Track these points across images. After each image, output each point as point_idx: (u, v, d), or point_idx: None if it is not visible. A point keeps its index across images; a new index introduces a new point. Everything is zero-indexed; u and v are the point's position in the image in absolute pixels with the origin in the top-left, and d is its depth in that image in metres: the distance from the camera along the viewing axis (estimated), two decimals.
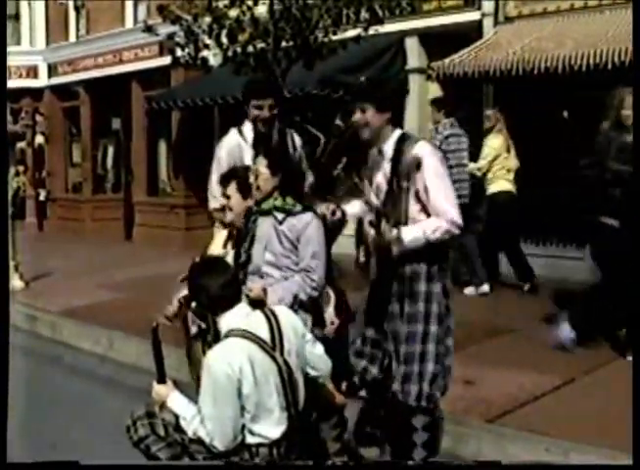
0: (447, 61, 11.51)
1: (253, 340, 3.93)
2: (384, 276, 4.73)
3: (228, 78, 12.17)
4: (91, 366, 8.22)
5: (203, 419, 3.86)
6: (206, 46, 11.06)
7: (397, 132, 4.75)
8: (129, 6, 19.29)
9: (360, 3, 10.67)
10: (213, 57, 12.02)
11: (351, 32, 10.90)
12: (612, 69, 9.71)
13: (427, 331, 4.66)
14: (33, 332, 9.65)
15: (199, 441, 3.91)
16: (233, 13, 10.56)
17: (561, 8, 11.88)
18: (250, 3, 10.39)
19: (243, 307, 4.07)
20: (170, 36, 11.25)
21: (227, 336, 3.95)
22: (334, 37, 10.61)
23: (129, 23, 19.27)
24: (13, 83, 18.59)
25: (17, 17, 21.92)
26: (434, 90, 13.82)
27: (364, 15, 10.75)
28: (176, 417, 3.99)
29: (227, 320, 4.01)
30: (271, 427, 3.93)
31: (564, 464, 5.04)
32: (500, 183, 10.32)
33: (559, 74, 10.28)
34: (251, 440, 3.92)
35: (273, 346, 3.98)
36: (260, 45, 10.58)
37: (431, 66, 12.01)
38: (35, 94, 22.33)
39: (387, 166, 4.69)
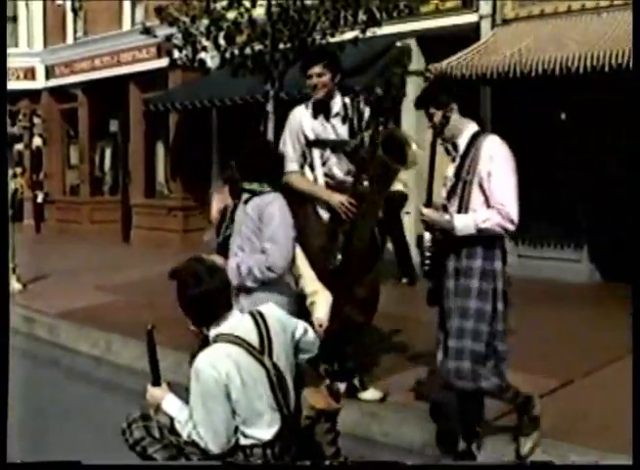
0: (445, 63, 11.51)
1: (241, 345, 3.91)
2: (442, 264, 4.88)
3: (226, 80, 12.18)
4: (88, 369, 8.22)
5: (195, 425, 3.86)
6: (204, 48, 11.07)
7: (473, 128, 4.90)
8: (127, 8, 19.31)
9: (358, 5, 10.67)
10: (211, 59, 12.04)
11: (349, 34, 10.91)
12: (609, 71, 9.71)
13: (464, 327, 4.76)
14: (31, 334, 9.64)
15: (194, 443, 3.90)
16: (231, 15, 10.58)
17: (558, 10, 11.89)
18: (247, 5, 10.40)
19: (234, 314, 4.06)
20: (168, 38, 11.25)
21: (215, 341, 3.94)
22: (331, 39, 10.62)
23: (127, 24, 19.29)
24: (10, 85, 18.41)
25: (14, 18, 21.91)
26: None
27: (362, 17, 10.76)
28: (171, 420, 3.99)
29: (216, 325, 4.01)
30: (263, 429, 3.92)
31: (564, 464, 5.05)
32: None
33: (556, 77, 10.28)
34: (244, 441, 3.91)
35: (262, 349, 3.95)
36: (258, 47, 10.59)
37: (428, 68, 12.01)
38: (33, 96, 22.35)
39: (458, 160, 4.88)
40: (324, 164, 6.04)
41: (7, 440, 4.43)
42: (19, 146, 22.93)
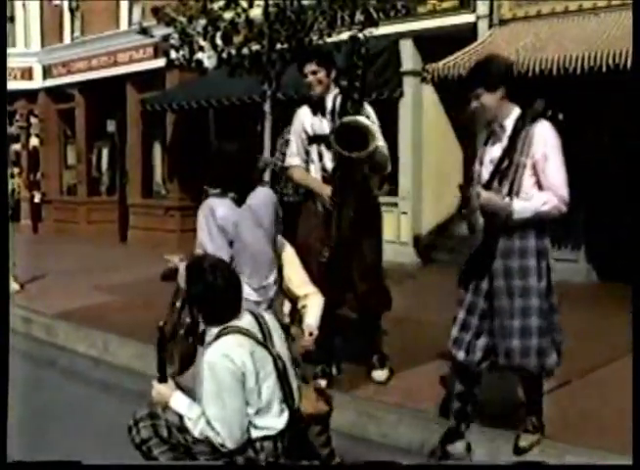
0: (442, 63, 11.52)
1: (249, 335, 3.94)
2: (488, 244, 4.91)
3: (223, 81, 12.18)
4: (86, 369, 8.20)
5: (209, 420, 3.84)
6: (201, 48, 11.06)
7: (517, 110, 4.95)
8: (124, 8, 19.29)
9: (355, 5, 10.66)
10: (208, 59, 12.03)
11: (346, 35, 10.90)
12: (606, 71, 9.72)
13: (529, 305, 4.82)
14: (28, 335, 9.63)
15: (205, 441, 3.89)
16: (228, 15, 10.56)
17: (555, 10, 11.90)
18: (244, 5, 10.39)
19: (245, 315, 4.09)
20: (165, 38, 11.24)
21: (221, 335, 3.94)
22: (328, 39, 10.61)
23: (124, 24, 19.27)
24: (8, 85, 18.52)
25: (12, 18, 21.88)
26: (429, 93, 13.86)
27: (359, 17, 10.75)
28: (180, 418, 3.97)
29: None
30: (274, 418, 3.95)
31: (564, 464, 5.05)
32: None
33: (553, 77, 10.29)
34: (255, 434, 3.91)
35: (265, 340, 4.01)
36: (255, 47, 10.58)
37: (425, 68, 12.01)
38: (30, 96, 22.33)
39: (505, 141, 4.87)
40: (320, 158, 6.22)
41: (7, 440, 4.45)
42: (16, 146, 22.92)
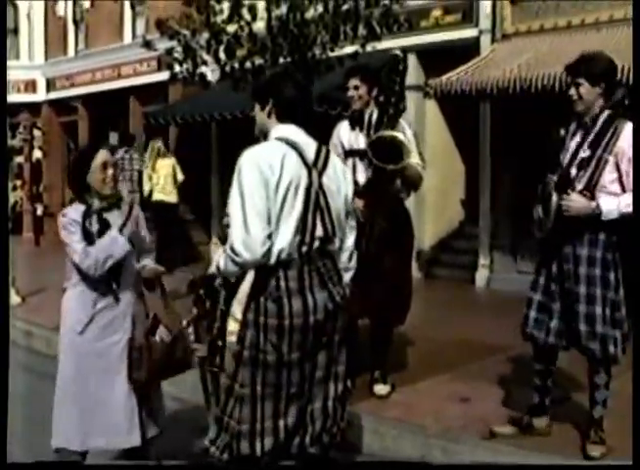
0: (444, 78, 11.53)
1: (294, 146, 3.87)
2: (560, 236, 5.10)
3: (226, 94, 12.19)
4: None
5: (231, 230, 3.74)
6: (204, 62, 11.08)
7: (608, 110, 5.10)
8: (128, 21, 19.38)
9: (358, 19, 10.67)
10: (211, 72, 12.04)
11: (349, 49, 10.92)
12: None
13: (594, 293, 5.04)
14: (29, 347, 9.61)
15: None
16: (231, 28, 10.58)
17: (558, 25, 11.93)
18: (247, 19, 10.41)
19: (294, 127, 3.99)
20: (169, 51, 11.25)
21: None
22: (331, 54, 10.63)
23: (128, 37, 19.34)
24: (11, 98, 18.58)
25: (15, 31, 21.98)
26: (432, 107, 13.87)
27: (362, 31, 10.76)
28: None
29: (276, 129, 3.97)
30: (291, 244, 3.82)
31: (564, 464, 5.05)
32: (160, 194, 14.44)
33: (556, 92, 10.28)
34: (273, 257, 3.77)
35: (315, 164, 3.92)
36: (258, 61, 10.60)
37: (428, 83, 12.02)
38: (33, 108, 22.40)
39: (592, 136, 5.07)
40: (354, 172, 6.22)
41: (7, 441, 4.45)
42: (19, 158, 22.94)
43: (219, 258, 3.85)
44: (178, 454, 5.48)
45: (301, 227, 3.82)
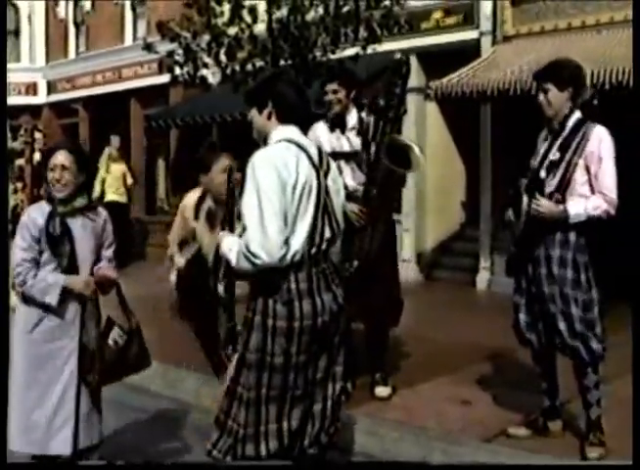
0: (445, 80, 11.52)
1: (302, 148, 3.87)
2: (531, 238, 5.17)
3: (227, 97, 12.18)
4: None
5: (246, 232, 3.70)
6: (205, 64, 11.08)
7: (578, 114, 5.18)
8: (129, 23, 19.38)
9: (358, 21, 10.68)
10: (212, 75, 12.04)
11: (349, 51, 10.92)
12: (609, 88, 9.71)
13: (567, 293, 5.09)
14: None
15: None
16: (232, 31, 10.59)
17: (559, 27, 11.92)
18: (248, 21, 10.42)
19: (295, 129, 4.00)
20: (169, 54, 11.25)
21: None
22: (332, 56, 10.62)
23: (129, 40, 19.35)
24: (12, 100, 18.60)
25: (16, 33, 21.98)
26: (432, 109, 13.87)
27: (362, 33, 10.77)
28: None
29: (278, 132, 3.97)
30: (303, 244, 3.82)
31: (564, 464, 5.04)
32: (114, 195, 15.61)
33: None
34: (289, 257, 3.75)
35: (320, 165, 3.93)
36: (259, 63, 10.60)
37: (429, 85, 12.02)
38: (34, 111, 22.40)
39: (561, 139, 5.14)
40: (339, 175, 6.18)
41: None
42: (19, 161, 22.93)
43: (229, 251, 3.82)
44: (179, 457, 5.48)
45: (313, 229, 3.82)
